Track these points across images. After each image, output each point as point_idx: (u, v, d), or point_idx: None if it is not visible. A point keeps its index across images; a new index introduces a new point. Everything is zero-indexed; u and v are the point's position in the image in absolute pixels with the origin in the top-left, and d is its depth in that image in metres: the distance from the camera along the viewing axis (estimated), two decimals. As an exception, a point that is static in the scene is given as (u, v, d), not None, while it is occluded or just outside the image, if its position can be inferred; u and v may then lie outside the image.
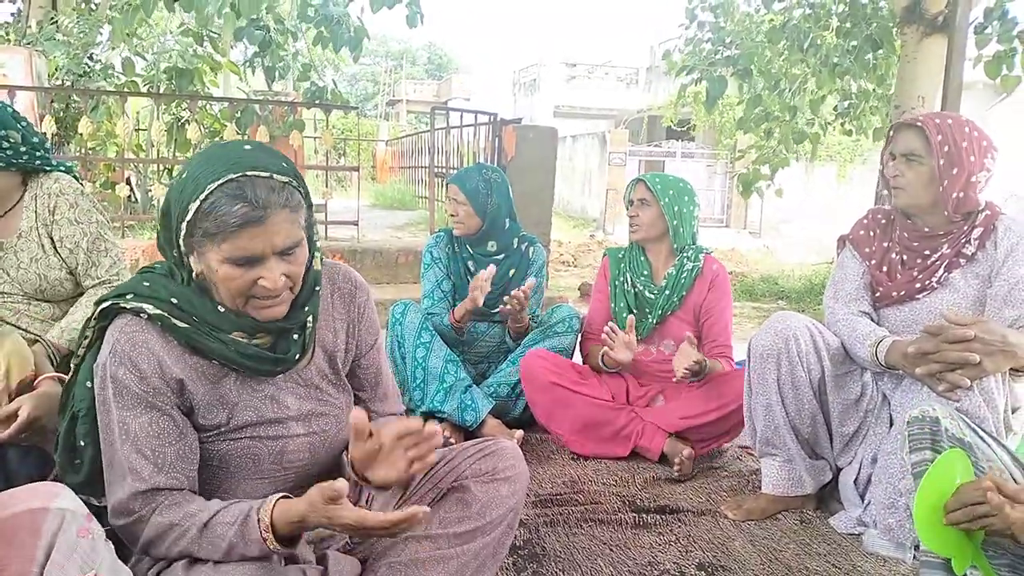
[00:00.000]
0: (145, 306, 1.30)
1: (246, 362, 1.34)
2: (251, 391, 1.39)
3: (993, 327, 1.74)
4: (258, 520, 1.24)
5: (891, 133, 2.20)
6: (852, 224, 2.38)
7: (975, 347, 1.71)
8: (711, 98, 7.32)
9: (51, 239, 2.12)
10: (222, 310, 1.33)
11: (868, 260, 2.25)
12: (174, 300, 1.31)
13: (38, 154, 2.12)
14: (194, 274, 1.32)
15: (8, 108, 2.08)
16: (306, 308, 1.39)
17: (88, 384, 1.38)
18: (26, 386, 1.76)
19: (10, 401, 1.73)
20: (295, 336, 1.39)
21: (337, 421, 1.49)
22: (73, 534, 1.06)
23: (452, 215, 3.00)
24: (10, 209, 2.11)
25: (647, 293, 2.84)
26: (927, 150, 2.07)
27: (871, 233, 2.29)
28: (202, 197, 1.22)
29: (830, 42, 6.98)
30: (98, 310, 1.37)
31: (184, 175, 1.28)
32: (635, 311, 2.83)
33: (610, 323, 2.66)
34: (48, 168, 2.16)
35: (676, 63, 7.79)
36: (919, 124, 2.09)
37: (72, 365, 1.46)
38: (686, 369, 2.48)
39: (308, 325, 1.41)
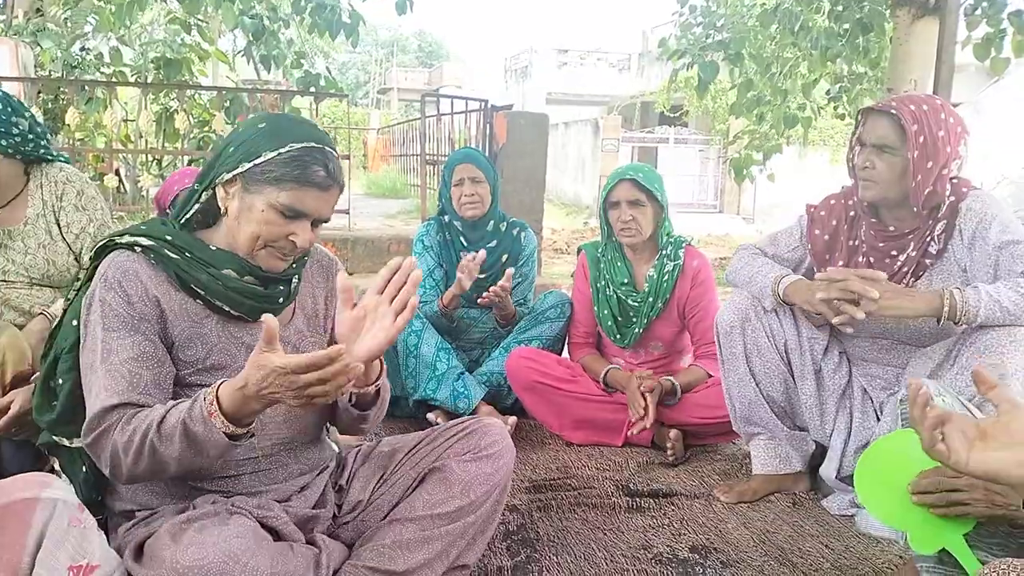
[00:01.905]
0: (140, 239, 1.38)
1: (232, 295, 1.40)
2: (230, 336, 1.44)
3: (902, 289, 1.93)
4: (204, 396, 1.26)
5: (860, 118, 2.04)
6: (824, 197, 2.27)
7: (879, 286, 1.87)
8: (702, 83, 7.29)
9: (58, 225, 2.18)
10: (214, 248, 1.42)
11: (812, 243, 2.21)
12: (168, 237, 1.40)
13: (42, 143, 2.17)
14: (221, 208, 1.41)
15: (14, 98, 2.12)
16: (294, 266, 1.49)
17: (74, 322, 1.41)
18: (22, 380, 1.76)
19: (4, 394, 1.73)
20: (280, 287, 1.48)
21: None
22: (64, 523, 1.06)
23: (468, 195, 2.91)
24: (14, 198, 2.16)
25: (630, 301, 2.73)
26: (901, 140, 1.92)
27: (833, 221, 2.19)
28: (283, 149, 1.36)
29: (821, 25, 6.96)
30: (94, 251, 1.44)
31: (262, 125, 1.40)
32: (619, 318, 2.76)
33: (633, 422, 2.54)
34: (50, 158, 2.22)
35: (670, 48, 7.76)
36: (893, 111, 1.93)
37: (63, 309, 1.49)
38: (642, 416, 2.48)
39: (293, 280, 1.51)
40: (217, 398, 1.24)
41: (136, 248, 1.38)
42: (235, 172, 1.37)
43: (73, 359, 1.40)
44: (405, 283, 1.35)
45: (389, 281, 1.37)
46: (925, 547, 1.40)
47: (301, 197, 1.36)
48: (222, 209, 1.42)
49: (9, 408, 1.67)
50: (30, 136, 2.11)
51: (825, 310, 1.95)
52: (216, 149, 1.45)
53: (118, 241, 1.40)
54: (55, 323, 1.51)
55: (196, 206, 1.44)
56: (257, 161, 1.36)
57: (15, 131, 2.06)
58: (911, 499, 1.40)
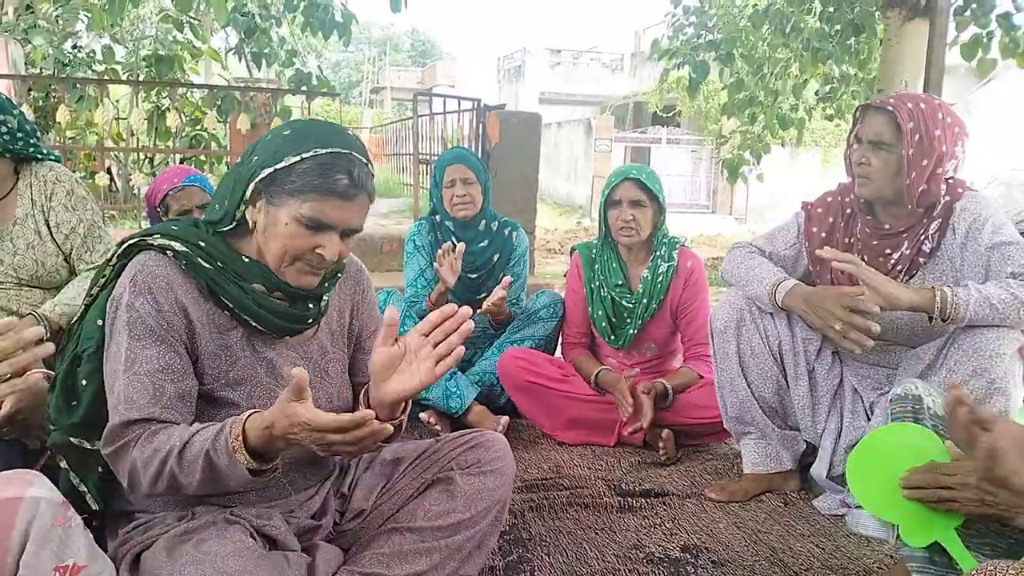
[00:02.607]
0: (173, 244, 1.34)
1: (261, 312, 1.37)
2: (253, 351, 1.41)
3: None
4: (230, 430, 1.23)
5: (858, 115, 2.06)
6: (819, 194, 2.27)
7: (871, 276, 1.90)
8: (693, 83, 7.31)
9: (47, 225, 2.15)
10: (247, 260, 1.37)
11: (808, 241, 2.21)
12: (202, 244, 1.35)
13: (32, 141, 2.15)
14: (249, 224, 1.35)
15: (2, 95, 2.10)
16: (326, 284, 1.44)
17: (99, 322, 1.37)
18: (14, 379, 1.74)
19: None
20: (310, 305, 1.44)
21: (330, 401, 1.49)
22: (48, 523, 1.05)
23: (460, 196, 2.90)
24: (3, 197, 2.14)
25: (624, 302, 2.73)
26: (896, 137, 1.94)
27: (830, 218, 2.19)
28: (306, 154, 1.29)
29: (812, 26, 6.98)
30: (121, 248, 1.39)
31: (286, 132, 1.35)
32: (614, 319, 2.76)
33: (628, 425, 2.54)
34: (40, 156, 2.19)
35: (662, 48, 7.77)
36: (890, 108, 1.95)
37: (83, 304, 1.46)
38: (642, 424, 2.49)
39: (324, 298, 1.46)
40: (244, 432, 1.22)
41: (168, 252, 1.34)
42: (258, 178, 1.32)
43: (98, 361, 1.35)
44: (455, 331, 1.30)
45: (438, 326, 1.31)
46: (916, 539, 1.40)
47: (323, 207, 1.30)
48: (250, 224, 1.36)
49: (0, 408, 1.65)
50: (19, 134, 2.09)
51: (835, 335, 1.97)
52: (241, 158, 1.39)
53: (150, 242, 1.35)
54: (77, 318, 1.48)
55: (228, 219, 1.37)
56: (279, 166, 1.30)
57: (3, 129, 2.04)
58: (902, 493, 1.40)
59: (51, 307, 2.08)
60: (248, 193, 1.33)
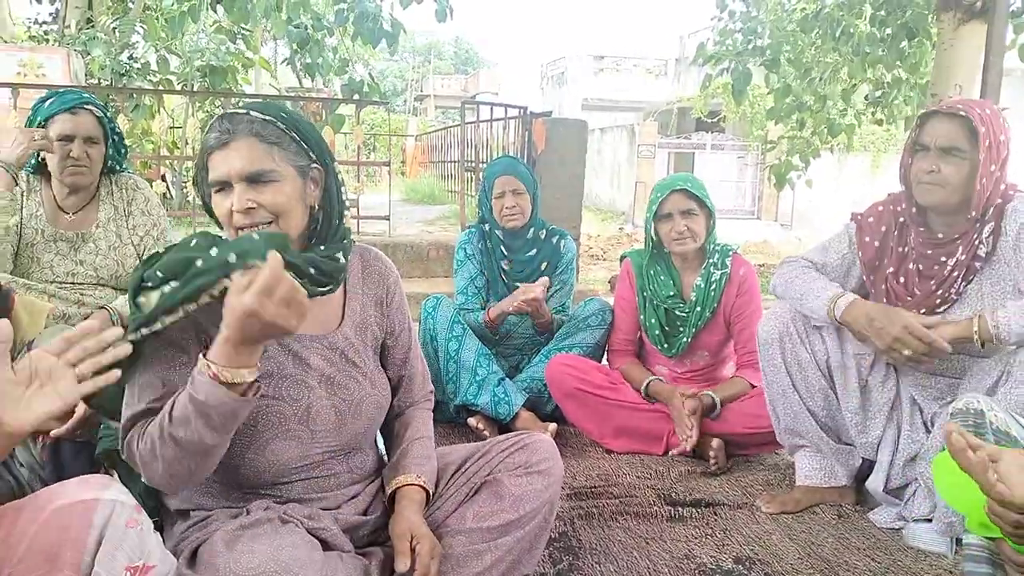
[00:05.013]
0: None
1: None
2: (277, 345, 1.42)
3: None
4: (198, 366, 1.22)
5: (919, 122, 2.03)
6: (869, 205, 2.24)
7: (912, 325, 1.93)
8: (737, 91, 7.25)
9: (128, 228, 2.37)
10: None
11: (862, 251, 2.18)
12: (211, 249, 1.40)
13: (122, 150, 2.42)
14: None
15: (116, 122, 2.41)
16: (323, 248, 1.42)
17: None
18: None
19: None
20: (327, 287, 1.43)
21: (362, 391, 1.51)
22: (122, 524, 1.09)
23: (509, 207, 2.93)
24: (87, 204, 2.35)
25: (677, 311, 2.72)
26: (972, 143, 1.90)
27: (882, 228, 2.16)
28: (205, 135, 1.39)
29: (863, 31, 6.87)
30: (142, 261, 1.46)
31: None
32: (667, 328, 2.75)
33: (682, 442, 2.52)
34: (119, 168, 2.43)
35: (707, 53, 7.72)
36: (963, 113, 1.91)
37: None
38: (689, 437, 2.49)
39: (338, 271, 1.43)
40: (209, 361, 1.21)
41: None
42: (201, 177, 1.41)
43: None
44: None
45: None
46: (984, 531, 1.38)
47: (213, 167, 1.36)
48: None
49: (74, 412, 1.70)
50: (122, 150, 2.37)
51: (894, 359, 2.01)
52: None
53: (162, 254, 1.41)
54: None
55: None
56: (200, 160, 1.41)
57: (114, 139, 2.31)
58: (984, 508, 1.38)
59: (123, 303, 2.22)
60: (204, 195, 1.42)
